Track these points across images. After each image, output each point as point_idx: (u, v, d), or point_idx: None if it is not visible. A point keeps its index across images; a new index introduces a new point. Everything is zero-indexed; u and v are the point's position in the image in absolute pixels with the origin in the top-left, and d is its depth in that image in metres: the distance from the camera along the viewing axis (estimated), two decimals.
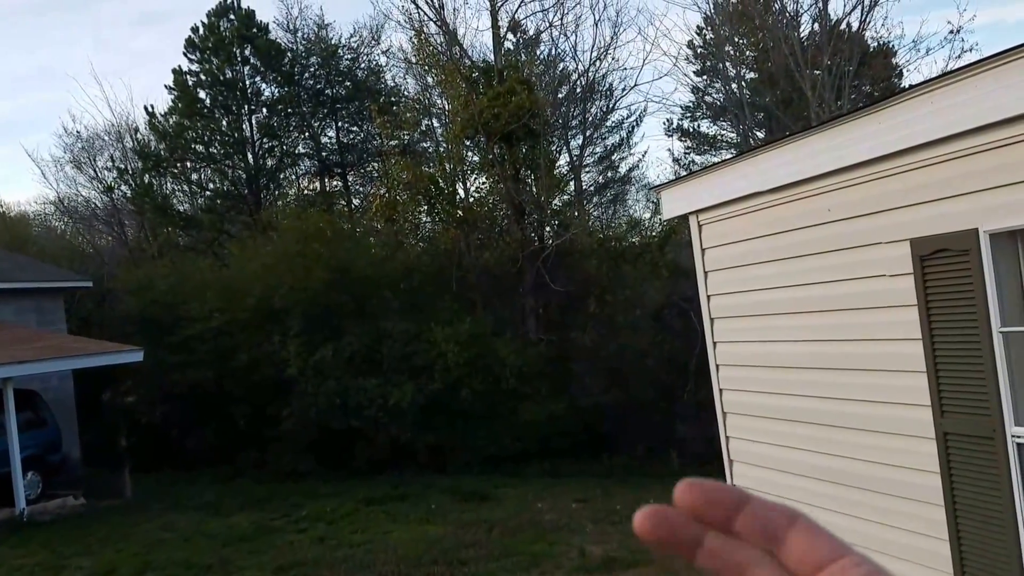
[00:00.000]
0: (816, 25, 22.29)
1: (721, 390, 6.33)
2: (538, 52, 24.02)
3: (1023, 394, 4.15)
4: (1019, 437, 4.12)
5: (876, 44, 22.29)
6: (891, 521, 4.85)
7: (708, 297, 6.37)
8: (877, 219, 4.71)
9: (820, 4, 21.79)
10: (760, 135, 24.09)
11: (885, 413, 4.84)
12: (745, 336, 6.06)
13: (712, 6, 24.57)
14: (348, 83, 28.53)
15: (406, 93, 26.04)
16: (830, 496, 5.27)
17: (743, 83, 25.51)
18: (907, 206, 4.50)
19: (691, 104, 28.55)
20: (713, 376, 6.39)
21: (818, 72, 20.74)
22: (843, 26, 21.58)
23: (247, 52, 27.29)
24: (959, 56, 19.47)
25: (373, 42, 28.63)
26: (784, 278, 5.53)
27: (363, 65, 28.84)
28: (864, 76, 22.52)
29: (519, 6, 22.52)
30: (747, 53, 25.42)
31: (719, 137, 28.47)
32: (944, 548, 4.51)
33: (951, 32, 19.91)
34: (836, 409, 5.22)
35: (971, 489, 4.36)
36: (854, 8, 21.16)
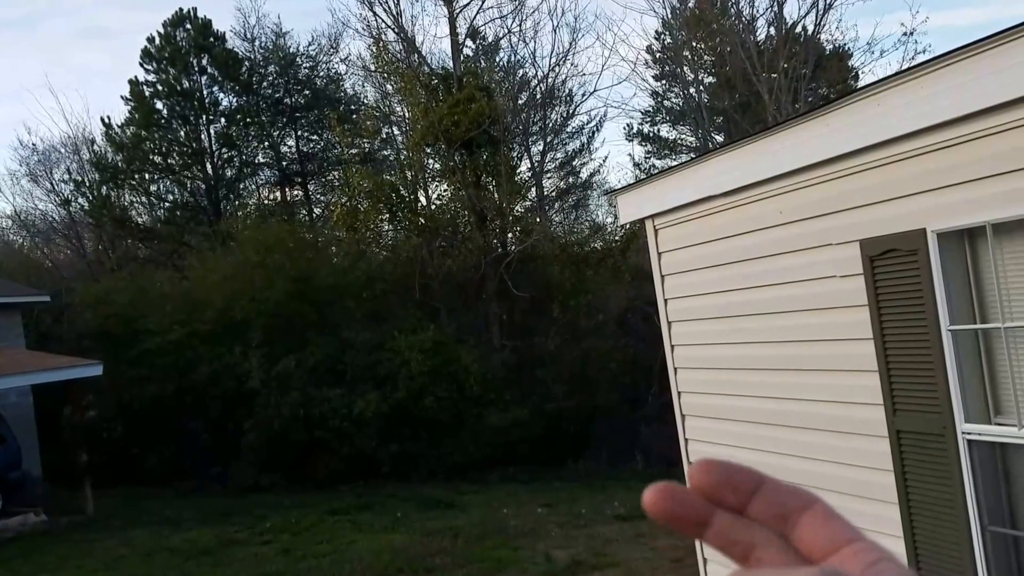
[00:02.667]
0: (772, 29, 22.56)
1: (679, 393, 6.37)
2: (497, 59, 24.12)
3: (972, 391, 4.20)
4: (969, 434, 4.17)
5: (831, 47, 22.61)
6: (848, 520, 4.90)
7: (665, 301, 6.41)
8: (827, 221, 4.76)
9: (776, 8, 22.07)
10: (719, 139, 24.33)
11: (839, 413, 4.89)
12: (701, 339, 6.11)
13: (669, 11, 24.79)
14: (307, 92, 28.43)
15: (365, 101, 26.02)
16: None
17: (701, 87, 25.74)
18: (856, 207, 4.55)
19: (650, 109, 28.76)
20: (671, 379, 6.43)
21: (775, 76, 20.98)
22: (798, 29, 21.86)
23: (204, 62, 27.10)
24: (913, 58, 19.83)
25: (332, 50, 28.58)
26: (738, 281, 5.57)
27: (322, 73, 28.78)
28: (820, 79, 22.83)
29: (477, 13, 22.59)
30: (705, 57, 25.65)
31: (679, 141, 28.69)
32: (899, 545, 4.56)
33: (904, 34, 20.26)
34: (791, 409, 5.27)
35: (924, 486, 4.42)
36: (809, 11, 21.46)
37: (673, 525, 0.46)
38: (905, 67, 4.34)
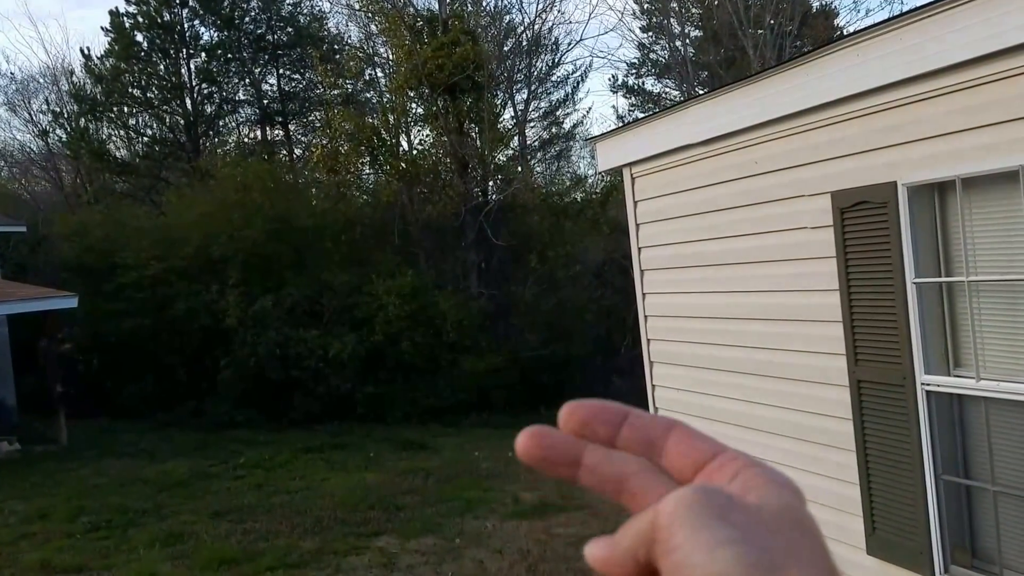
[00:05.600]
0: None
1: (649, 340, 6.47)
2: (484, 2, 23.85)
3: (934, 343, 4.29)
4: (928, 384, 4.28)
5: (818, 4, 22.54)
6: (805, 465, 5.03)
7: (639, 249, 6.48)
8: (801, 172, 4.82)
9: None
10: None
11: (802, 361, 4.99)
12: (673, 287, 6.19)
13: None
14: (290, 29, 28.03)
15: (349, 41, 25.71)
16: (748, 441, 5.44)
17: (687, 40, 25.62)
18: (829, 159, 4.61)
19: (636, 61, 28.62)
20: (641, 326, 6.52)
21: (761, 31, 20.92)
22: None
23: None
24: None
25: None
26: (712, 230, 5.64)
27: (305, 11, 28.36)
28: (805, 36, 22.79)
29: None
30: (692, 10, 25.50)
31: (663, 95, 28.61)
32: (854, 491, 4.69)
33: None
34: (756, 358, 5.37)
35: (881, 434, 4.53)
36: None
37: (546, 468, 0.46)
38: (881, 19, 4.36)
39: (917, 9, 3.93)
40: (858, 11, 29.21)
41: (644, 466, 0.45)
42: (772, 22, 20.43)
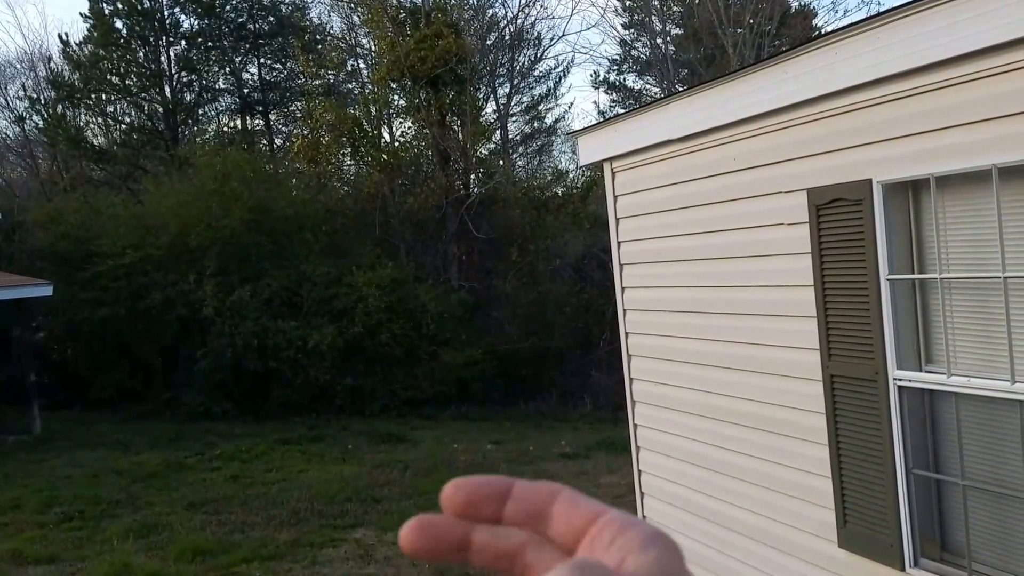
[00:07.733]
0: None
1: (627, 334, 6.50)
2: None
3: (906, 339, 4.34)
4: (900, 380, 4.32)
5: (797, 4, 22.67)
6: (778, 459, 5.08)
7: (618, 244, 6.51)
8: (778, 169, 4.85)
9: None
10: None
11: (777, 356, 5.04)
12: (652, 282, 6.23)
13: None
14: (271, 18, 27.83)
15: (331, 32, 25.62)
16: (722, 435, 5.49)
17: (668, 38, 25.69)
18: (806, 156, 4.65)
19: (618, 57, 28.68)
20: (620, 320, 6.56)
21: (741, 31, 21.03)
22: None
23: None
24: None
25: None
26: (691, 225, 5.68)
27: (287, 0, 28.18)
28: (784, 36, 22.93)
29: None
30: (674, 8, 25.58)
31: (644, 91, 28.69)
32: (827, 484, 4.73)
33: None
34: (733, 352, 5.41)
35: (854, 428, 4.58)
36: None
37: (435, 557, 0.45)
38: (858, 19, 4.40)
39: (893, 9, 3.97)
40: (836, 11, 29.43)
41: (533, 539, 0.44)
42: (752, 21, 20.55)
